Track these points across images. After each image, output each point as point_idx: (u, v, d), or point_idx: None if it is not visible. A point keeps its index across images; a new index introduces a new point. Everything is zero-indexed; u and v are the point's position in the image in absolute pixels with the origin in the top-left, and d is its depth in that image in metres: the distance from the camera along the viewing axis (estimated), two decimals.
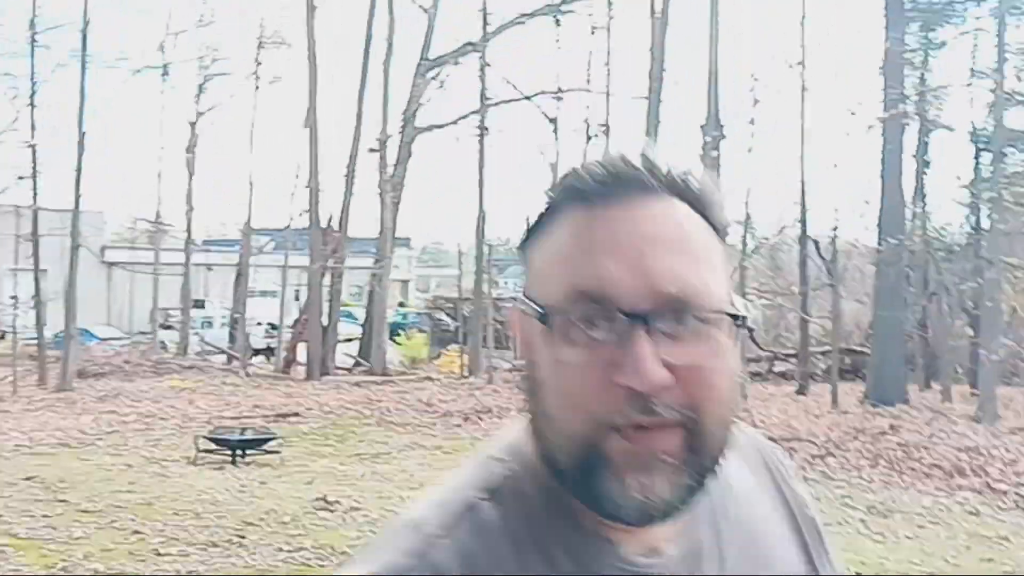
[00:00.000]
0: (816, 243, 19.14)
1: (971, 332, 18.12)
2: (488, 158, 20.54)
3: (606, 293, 0.70)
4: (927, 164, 22.17)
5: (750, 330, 19.66)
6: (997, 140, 15.31)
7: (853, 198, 32.06)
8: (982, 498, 9.03)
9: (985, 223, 17.98)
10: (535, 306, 0.73)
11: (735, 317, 0.73)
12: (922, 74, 22.14)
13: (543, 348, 0.73)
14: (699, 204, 0.75)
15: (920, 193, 21.11)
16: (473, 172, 20.41)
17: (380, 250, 20.77)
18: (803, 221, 18.88)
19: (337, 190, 20.95)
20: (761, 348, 19.35)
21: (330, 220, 20.40)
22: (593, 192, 0.74)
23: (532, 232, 0.78)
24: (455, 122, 21.39)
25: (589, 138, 20.26)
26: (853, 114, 16.71)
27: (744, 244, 19.22)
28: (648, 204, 0.73)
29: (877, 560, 6.58)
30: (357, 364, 21.15)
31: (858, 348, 20.17)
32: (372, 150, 20.23)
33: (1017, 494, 9.05)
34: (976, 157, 20.97)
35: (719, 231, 0.76)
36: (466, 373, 19.89)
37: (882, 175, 18.44)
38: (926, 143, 22.07)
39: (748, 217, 19.11)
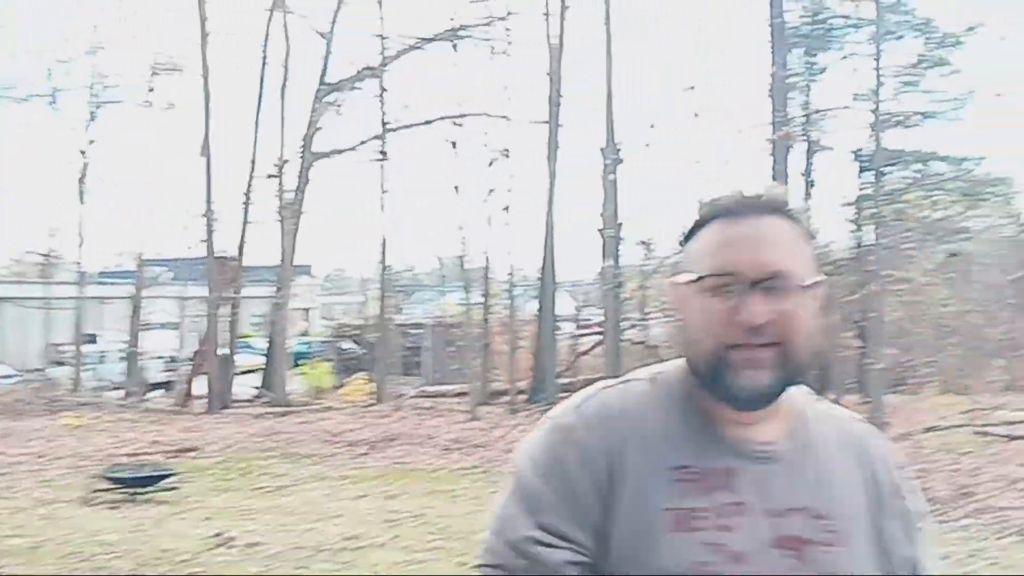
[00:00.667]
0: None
1: (859, 343, 18.83)
2: (390, 184, 20.51)
3: (735, 269, 1.17)
4: (813, 183, 23.05)
5: (653, 348, 19.99)
6: (877, 159, 16.03)
7: None
8: None
9: (868, 238, 18.76)
10: (694, 275, 1.20)
11: (814, 284, 1.20)
12: (807, 96, 23.08)
13: (693, 301, 1.20)
14: (791, 218, 1.23)
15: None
16: (374, 198, 20.34)
17: (280, 278, 20.44)
18: None
19: (234, 218, 20.56)
20: None
21: (227, 249, 20.00)
22: (728, 211, 1.22)
23: (690, 234, 1.26)
24: (354, 147, 21.29)
25: (491, 163, 20.39)
26: (742, 135, 17.28)
27: (645, 265, 19.61)
28: (760, 218, 1.21)
29: None
30: (259, 396, 20.71)
31: None
32: (269, 176, 19.95)
33: None
34: (859, 176, 21.91)
35: (805, 234, 1.24)
36: (372, 401, 19.70)
37: None
38: (812, 163, 22.98)
39: (647, 239, 19.50)
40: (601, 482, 1.18)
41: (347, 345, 26.41)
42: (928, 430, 12.82)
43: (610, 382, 1.29)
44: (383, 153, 20.25)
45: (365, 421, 16.25)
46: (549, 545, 1.16)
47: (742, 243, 1.18)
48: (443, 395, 20.27)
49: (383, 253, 20.55)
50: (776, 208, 1.22)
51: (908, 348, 20.53)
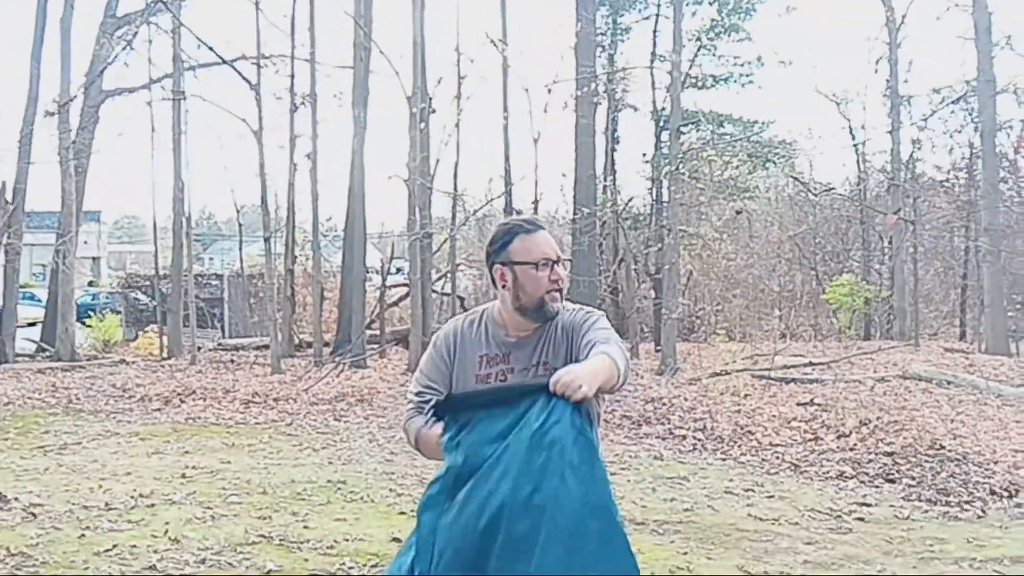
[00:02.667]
0: (518, 214, 19.90)
1: (654, 294, 19.75)
2: (187, 126, 19.37)
3: (548, 257, 2.61)
4: (617, 140, 23.83)
5: (461, 299, 20.09)
6: (674, 120, 16.69)
7: (553, 171, 33.86)
8: (665, 443, 9.93)
9: (665, 195, 19.62)
10: (516, 262, 2.61)
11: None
12: (611, 56, 23.72)
13: (527, 273, 2.59)
14: (544, 228, 2.71)
15: (611, 167, 22.66)
16: (169, 141, 19.17)
17: (63, 224, 18.99)
18: (508, 193, 19.60)
19: (11, 158, 18.80)
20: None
21: (3, 190, 18.35)
22: (525, 228, 2.64)
23: (504, 242, 2.62)
24: (147, 86, 19.96)
25: (296, 107, 19.64)
26: (549, 91, 17.52)
27: (454, 217, 19.64)
28: (538, 231, 2.64)
29: None
30: (41, 350, 19.33)
31: None
32: (49, 113, 18.33)
33: (695, 438, 10.04)
34: (657, 135, 22.83)
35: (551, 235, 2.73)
36: (166, 355, 18.81)
37: (576, 150, 19.56)
38: (616, 120, 23.72)
39: (456, 190, 19.52)
40: (449, 358, 2.67)
41: (139, 296, 25.06)
42: (715, 375, 13.64)
43: (463, 313, 2.81)
44: (178, 93, 19.09)
45: (158, 376, 15.52)
46: (418, 392, 2.67)
47: (542, 244, 2.59)
48: (243, 348, 19.65)
49: (178, 199, 19.50)
50: (541, 225, 2.65)
51: (699, 299, 21.78)
